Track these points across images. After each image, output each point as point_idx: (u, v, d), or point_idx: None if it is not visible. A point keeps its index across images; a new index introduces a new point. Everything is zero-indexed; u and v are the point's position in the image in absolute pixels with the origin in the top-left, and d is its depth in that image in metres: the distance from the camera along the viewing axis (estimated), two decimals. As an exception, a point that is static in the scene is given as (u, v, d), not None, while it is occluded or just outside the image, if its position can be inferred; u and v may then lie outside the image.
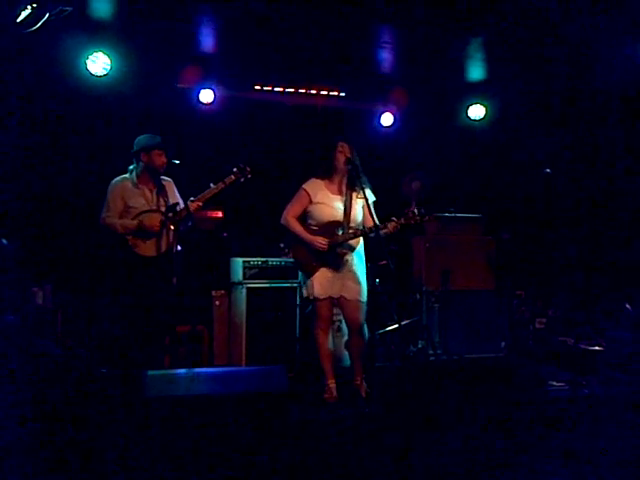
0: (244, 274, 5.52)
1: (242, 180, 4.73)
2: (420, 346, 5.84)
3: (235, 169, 4.72)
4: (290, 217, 4.68)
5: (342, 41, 5.62)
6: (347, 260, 4.61)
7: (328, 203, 4.64)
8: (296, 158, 6.35)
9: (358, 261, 4.67)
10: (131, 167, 4.72)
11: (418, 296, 6.05)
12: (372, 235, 4.52)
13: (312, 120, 6.57)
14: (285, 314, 5.58)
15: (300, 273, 4.77)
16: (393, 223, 4.51)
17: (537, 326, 6.39)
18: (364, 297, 4.62)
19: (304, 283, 4.70)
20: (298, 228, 4.66)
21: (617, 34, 5.32)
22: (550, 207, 6.73)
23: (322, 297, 4.60)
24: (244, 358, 5.42)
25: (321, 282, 4.59)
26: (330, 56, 5.93)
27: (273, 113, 6.45)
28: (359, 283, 4.60)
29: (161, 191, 4.67)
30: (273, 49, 5.76)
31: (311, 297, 4.63)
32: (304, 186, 4.72)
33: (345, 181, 4.68)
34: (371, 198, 4.70)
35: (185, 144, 5.38)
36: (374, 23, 5.35)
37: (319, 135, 6.26)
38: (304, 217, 4.72)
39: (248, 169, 4.73)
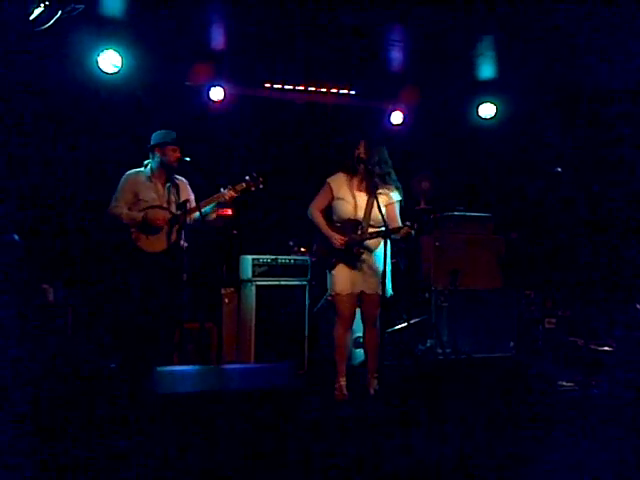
0: (253, 272, 5.52)
1: (253, 189, 4.69)
2: (429, 345, 5.83)
3: (247, 177, 4.67)
4: (314, 210, 4.67)
5: (352, 39, 5.60)
6: (365, 259, 4.58)
7: (348, 200, 4.62)
8: (306, 156, 6.34)
9: (377, 261, 4.60)
10: (146, 162, 4.76)
11: (427, 295, 6.03)
12: (388, 238, 4.42)
13: (322, 118, 6.57)
14: (294, 312, 5.59)
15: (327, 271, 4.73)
16: (405, 228, 4.44)
17: (547, 326, 6.35)
18: (382, 291, 4.52)
19: (328, 278, 4.68)
20: (319, 221, 4.65)
21: (625, 32, 5.28)
22: (560, 206, 6.69)
23: (344, 293, 4.58)
24: (253, 356, 5.43)
25: (342, 278, 4.58)
26: (340, 54, 5.92)
27: (283, 111, 6.45)
28: (378, 277, 4.51)
29: (173, 188, 4.68)
30: (283, 47, 5.76)
31: (333, 292, 4.61)
32: (329, 180, 4.70)
33: (367, 179, 4.62)
34: (395, 198, 4.66)
35: (196, 142, 5.38)
36: (384, 21, 5.34)
37: (329, 133, 6.28)
38: (330, 213, 4.70)
39: (261, 179, 4.68)
